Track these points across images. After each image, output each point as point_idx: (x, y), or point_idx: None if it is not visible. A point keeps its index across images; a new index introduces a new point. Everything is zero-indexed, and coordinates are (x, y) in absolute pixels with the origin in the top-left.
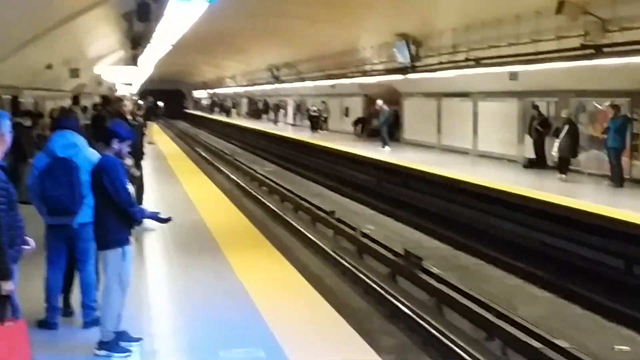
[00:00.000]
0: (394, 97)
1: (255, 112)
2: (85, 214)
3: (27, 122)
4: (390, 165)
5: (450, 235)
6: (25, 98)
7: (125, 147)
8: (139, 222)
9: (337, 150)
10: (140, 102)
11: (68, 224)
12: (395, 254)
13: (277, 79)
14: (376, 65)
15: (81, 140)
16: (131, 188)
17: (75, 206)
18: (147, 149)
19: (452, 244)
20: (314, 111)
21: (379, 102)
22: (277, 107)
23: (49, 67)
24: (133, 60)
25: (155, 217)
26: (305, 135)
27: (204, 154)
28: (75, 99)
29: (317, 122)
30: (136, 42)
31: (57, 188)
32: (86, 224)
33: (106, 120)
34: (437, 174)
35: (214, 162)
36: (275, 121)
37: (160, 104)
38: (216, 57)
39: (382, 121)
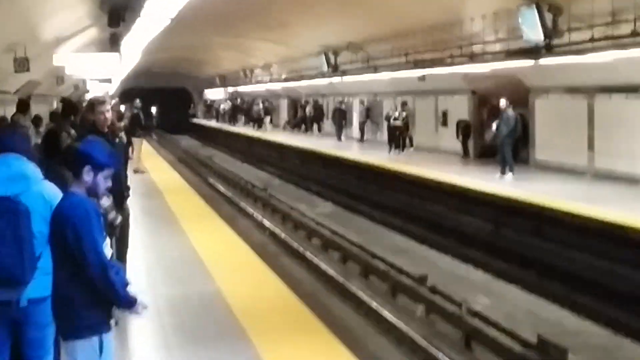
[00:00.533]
0: (518, 95)
1: (302, 120)
2: (40, 285)
3: None
4: (514, 204)
5: (612, 314)
6: None
7: (102, 180)
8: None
9: (429, 180)
10: (121, 107)
11: (13, 301)
12: (524, 343)
13: (335, 69)
14: (491, 44)
15: (33, 170)
16: (109, 246)
17: (25, 273)
18: (133, 180)
19: (615, 327)
20: (396, 118)
21: (502, 102)
22: (342, 113)
23: None
24: (112, 44)
25: (133, 305)
26: (379, 156)
27: (221, 188)
28: (23, 105)
29: (400, 136)
30: (116, 15)
31: None
32: (41, 301)
33: (69, 137)
34: (592, 217)
35: (237, 200)
36: (339, 136)
37: (153, 109)
38: (240, 37)
39: (505, 133)
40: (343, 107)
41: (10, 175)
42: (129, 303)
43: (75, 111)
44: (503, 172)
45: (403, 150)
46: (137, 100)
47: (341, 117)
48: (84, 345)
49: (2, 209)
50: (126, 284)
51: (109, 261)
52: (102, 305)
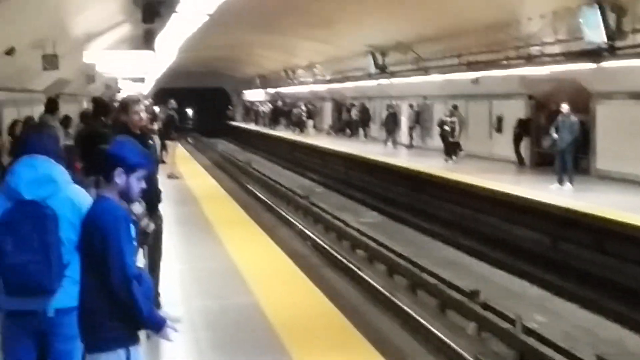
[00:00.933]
0: (578, 100)
1: (346, 124)
2: (68, 295)
3: None
4: (574, 216)
5: None
6: None
7: (135, 182)
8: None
9: (481, 189)
10: (155, 108)
11: (39, 311)
12: None
13: (382, 70)
14: (549, 46)
15: (61, 173)
16: (141, 255)
17: (52, 281)
18: (166, 186)
19: None
20: (451, 123)
21: (565, 107)
22: (394, 118)
23: (10, 52)
24: (146, 41)
25: (159, 327)
26: (430, 163)
27: (260, 195)
28: (52, 104)
29: (453, 142)
30: (151, 11)
31: (22, 252)
32: (69, 311)
33: (103, 138)
34: None
35: (277, 207)
36: (393, 141)
37: (189, 111)
38: (282, 35)
39: (568, 140)
40: (393, 110)
41: (37, 178)
42: (155, 324)
43: (107, 111)
44: (561, 182)
45: (456, 156)
46: (172, 101)
47: (394, 122)
48: (110, 358)
49: (29, 213)
50: (156, 303)
51: (135, 275)
52: (130, 316)
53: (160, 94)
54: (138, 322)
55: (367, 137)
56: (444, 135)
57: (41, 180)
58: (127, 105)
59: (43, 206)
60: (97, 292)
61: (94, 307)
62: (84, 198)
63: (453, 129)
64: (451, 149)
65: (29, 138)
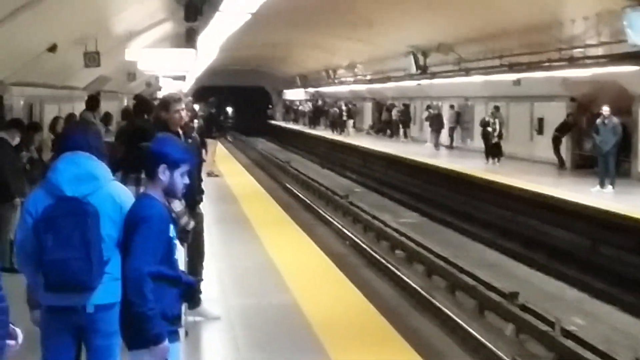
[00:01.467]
0: (620, 103)
1: (387, 125)
2: (108, 291)
3: (15, 139)
4: (615, 219)
5: None
6: (12, 99)
7: (179, 178)
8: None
9: (521, 191)
10: (195, 106)
11: (79, 307)
12: None
13: (424, 71)
14: (592, 48)
15: (103, 170)
16: (181, 253)
17: (92, 278)
18: (205, 184)
19: None
20: (493, 124)
21: (606, 109)
22: (437, 117)
23: (52, 49)
24: (188, 39)
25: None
26: (470, 164)
27: (299, 194)
28: (93, 102)
29: (495, 144)
30: (194, 9)
31: (63, 248)
32: (108, 307)
33: (147, 134)
34: None
35: (316, 207)
36: (435, 143)
37: (229, 110)
38: (323, 34)
39: (611, 142)
40: (438, 111)
41: (78, 175)
42: (155, 336)
43: (148, 109)
44: (602, 185)
45: (499, 160)
46: (213, 99)
47: (439, 123)
48: (151, 355)
49: (70, 210)
50: (197, 300)
51: (152, 272)
52: (169, 314)
53: (201, 92)
54: (142, 328)
55: (407, 137)
56: (486, 136)
57: (83, 177)
58: (168, 103)
59: (84, 203)
60: None
61: None
62: (125, 195)
63: (494, 130)
64: (492, 150)
65: (70, 135)
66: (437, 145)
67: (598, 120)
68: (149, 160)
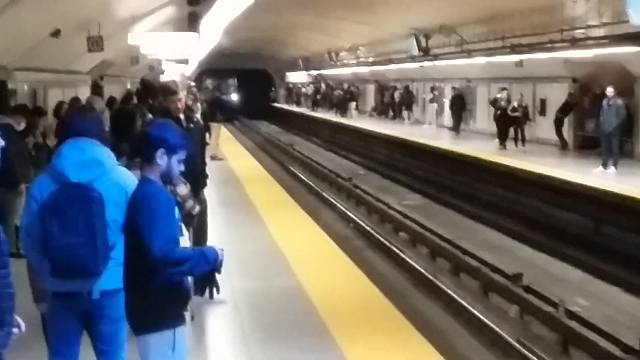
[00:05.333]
0: (622, 83)
1: (389, 106)
2: (113, 277)
3: (20, 125)
4: (618, 199)
5: None
6: (16, 84)
7: (176, 164)
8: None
9: (524, 172)
10: (195, 90)
11: (84, 292)
12: (625, 347)
13: (426, 53)
14: (594, 29)
15: (108, 155)
16: (186, 237)
17: (98, 263)
18: (209, 168)
19: None
20: (515, 109)
21: (610, 90)
22: (461, 101)
23: (55, 34)
24: (190, 23)
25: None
26: (475, 147)
27: (303, 177)
28: (97, 87)
29: (518, 127)
30: None
31: (68, 233)
32: (114, 293)
33: (135, 119)
34: None
35: (320, 190)
36: (456, 127)
37: (234, 95)
38: (326, 17)
39: (614, 123)
40: (460, 92)
41: (83, 160)
42: (212, 258)
43: (154, 94)
44: (605, 166)
45: (524, 143)
46: (214, 82)
47: (461, 106)
48: (157, 339)
49: (75, 196)
50: (202, 286)
51: (171, 250)
52: (176, 298)
53: (203, 75)
54: (197, 271)
55: (410, 119)
56: (503, 116)
57: (88, 162)
58: (165, 92)
59: (89, 189)
60: (143, 273)
61: (139, 289)
62: (130, 180)
63: (525, 114)
64: (517, 134)
65: (73, 121)
66: (457, 128)
67: (604, 101)
68: (148, 144)
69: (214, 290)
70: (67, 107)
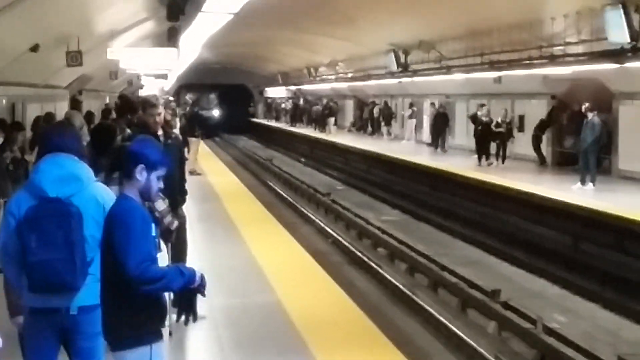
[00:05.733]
0: (600, 100)
1: (368, 122)
2: (91, 293)
3: None
4: (596, 216)
5: None
6: None
7: (155, 180)
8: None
9: (502, 188)
10: (174, 105)
11: (62, 308)
12: None
13: (405, 69)
14: (572, 46)
15: (86, 171)
16: (165, 254)
17: (76, 278)
18: (189, 183)
19: None
20: (499, 124)
21: (586, 107)
22: (444, 118)
23: (34, 48)
24: (170, 38)
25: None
26: (452, 162)
27: (281, 192)
28: (76, 102)
29: (501, 144)
30: (176, 9)
31: (46, 249)
32: (92, 309)
33: (112, 132)
34: None
35: (298, 205)
36: (442, 144)
37: (216, 112)
38: (305, 32)
39: (590, 140)
40: (443, 110)
41: (61, 175)
42: (187, 273)
43: (133, 109)
44: (583, 182)
45: (504, 161)
46: (192, 96)
47: (443, 123)
48: (133, 356)
49: (53, 211)
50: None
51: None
52: (153, 314)
53: (181, 91)
54: (172, 288)
55: (390, 134)
56: (485, 131)
57: (66, 178)
58: (144, 106)
59: (67, 204)
60: (119, 289)
61: (115, 305)
62: (107, 196)
63: (509, 130)
64: (499, 151)
65: (52, 136)
66: (443, 146)
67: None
68: (128, 160)
69: (190, 318)
70: (42, 122)
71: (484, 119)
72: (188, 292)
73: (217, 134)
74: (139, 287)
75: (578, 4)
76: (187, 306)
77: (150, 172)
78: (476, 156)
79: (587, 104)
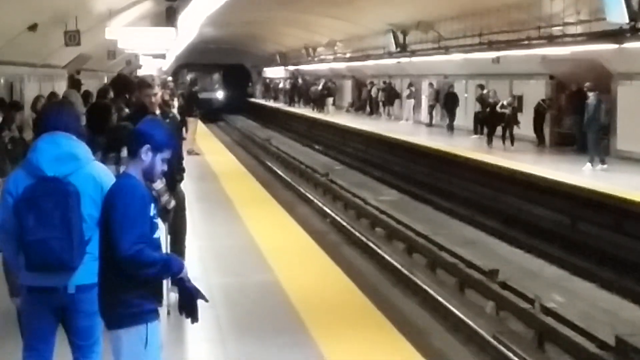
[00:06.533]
0: (599, 80)
1: (367, 103)
2: (89, 271)
3: None
4: (594, 196)
5: None
6: None
7: (159, 162)
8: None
9: (501, 169)
10: (172, 85)
11: (60, 287)
12: (601, 343)
13: (403, 49)
14: (571, 26)
15: (84, 150)
16: (162, 230)
17: (74, 257)
18: (187, 163)
19: None
20: (504, 106)
21: (586, 86)
22: (454, 98)
23: (32, 28)
24: (168, 18)
25: (189, 289)
26: (451, 142)
27: (280, 172)
28: (74, 80)
29: (507, 126)
30: None
31: (44, 228)
32: (89, 288)
33: (110, 113)
34: None
35: (296, 185)
36: (450, 125)
37: (219, 92)
38: (303, 12)
39: (589, 119)
40: (453, 90)
41: (59, 155)
42: (179, 270)
43: (130, 89)
44: (592, 162)
45: (512, 143)
46: (191, 75)
47: (454, 103)
48: (129, 335)
49: (51, 190)
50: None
51: (140, 250)
52: (149, 293)
53: (180, 70)
54: (161, 275)
55: (390, 115)
56: (492, 116)
57: (63, 157)
58: (140, 86)
59: (65, 183)
60: (115, 268)
61: (112, 284)
62: (105, 175)
63: (513, 113)
64: (506, 133)
65: (49, 115)
66: (451, 126)
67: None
68: (134, 139)
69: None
70: (45, 102)
71: (490, 100)
72: (190, 297)
73: (221, 117)
74: (128, 268)
75: None
76: (189, 311)
77: (156, 154)
78: (475, 136)
79: (587, 84)
